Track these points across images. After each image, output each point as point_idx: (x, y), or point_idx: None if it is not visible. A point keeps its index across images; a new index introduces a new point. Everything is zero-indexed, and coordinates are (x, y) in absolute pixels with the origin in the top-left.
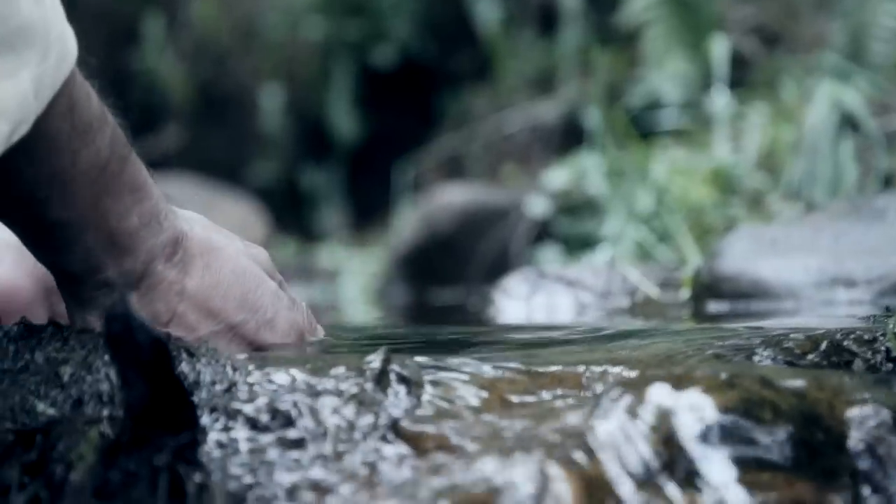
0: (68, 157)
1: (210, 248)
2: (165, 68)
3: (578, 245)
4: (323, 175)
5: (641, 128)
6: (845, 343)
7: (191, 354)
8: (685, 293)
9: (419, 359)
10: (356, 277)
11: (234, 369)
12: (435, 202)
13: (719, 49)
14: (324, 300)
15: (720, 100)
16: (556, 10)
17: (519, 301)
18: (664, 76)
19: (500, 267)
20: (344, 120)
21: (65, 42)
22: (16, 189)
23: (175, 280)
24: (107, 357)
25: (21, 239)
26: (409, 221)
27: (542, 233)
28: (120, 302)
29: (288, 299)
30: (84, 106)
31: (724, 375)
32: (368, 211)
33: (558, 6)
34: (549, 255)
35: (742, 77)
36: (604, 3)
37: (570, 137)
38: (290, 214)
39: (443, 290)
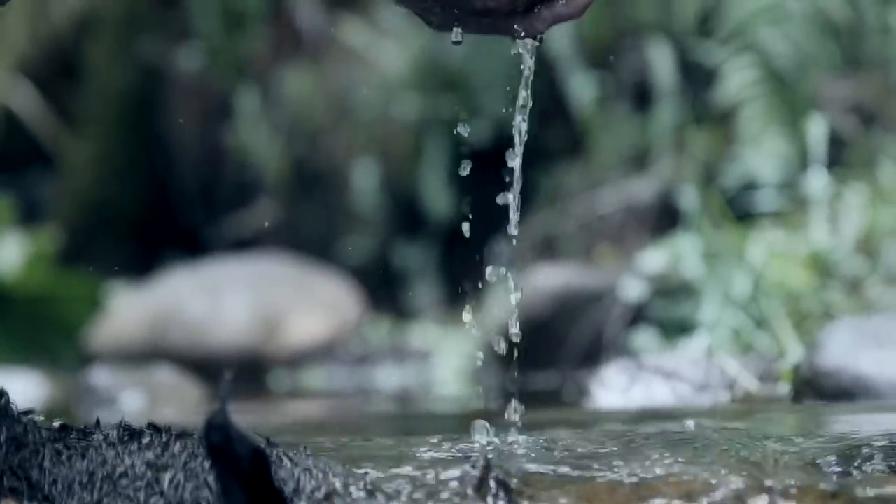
0: None
1: None
2: (259, 144)
3: (675, 329)
4: (416, 252)
5: (737, 209)
6: None
7: (292, 461)
8: (785, 387)
9: (520, 465)
10: (449, 359)
11: (335, 476)
12: (529, 284)
13: (817, 129)
14: (417, 383)
15: (817, 181)
16: (650, 87)
17: (616, 392)
18: (761, 155)
19: (594, 351)
20: (438, 197)
21: None
22: None
23: None
24: (207, 463)
25: None
26: (502, 303)
27: (638, 316)
28: (219, 413)
29: None
30: None
31: (829, 487)
32: (462, 289)
33: (653, 83)
34: (645, 340)
35: (839, 156)
36: (699, 81)
37: (665, 217)
38: (383, 292)
39: (537, 375)
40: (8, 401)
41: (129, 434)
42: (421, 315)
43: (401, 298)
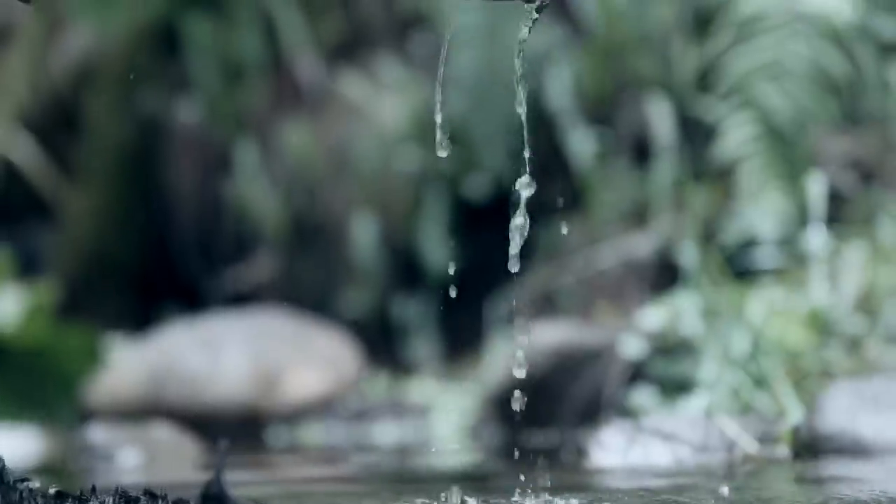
0: None
1: None
2: (258, 197)
3: (674, 387)
4: (415, 306)
5: (737, 265)
6: None
7: None
8: (784, 449)
9: None
10: (448, 414)
11: None
12: (527, 340)
13: (816, 186)
14: (416, 438)
15: (817, 238)
16: (649, 142)
17: (614, 454)
18: (760, 212)
19: (593, 408)
20: (436, 251)
21: None
22: None
23: None
24: None
25: None
26: (501, 359)
27: (637, 374)
28: (215, 482)
29: None
30: None
31: None
32: (461, 343)
33: (652, 138)
34: (644, 398)
35: (838, 212)
36: (698, 137)
37: (664, 273)
38: (381, 346)
39: (535, 432)
40: (3, 467)
41: (125, 500)
42: (419, 370)
43: (399, 353)
